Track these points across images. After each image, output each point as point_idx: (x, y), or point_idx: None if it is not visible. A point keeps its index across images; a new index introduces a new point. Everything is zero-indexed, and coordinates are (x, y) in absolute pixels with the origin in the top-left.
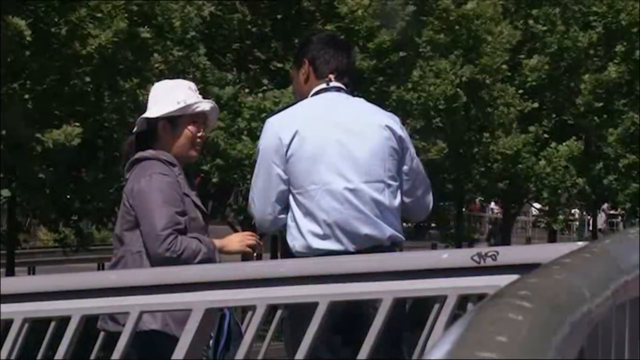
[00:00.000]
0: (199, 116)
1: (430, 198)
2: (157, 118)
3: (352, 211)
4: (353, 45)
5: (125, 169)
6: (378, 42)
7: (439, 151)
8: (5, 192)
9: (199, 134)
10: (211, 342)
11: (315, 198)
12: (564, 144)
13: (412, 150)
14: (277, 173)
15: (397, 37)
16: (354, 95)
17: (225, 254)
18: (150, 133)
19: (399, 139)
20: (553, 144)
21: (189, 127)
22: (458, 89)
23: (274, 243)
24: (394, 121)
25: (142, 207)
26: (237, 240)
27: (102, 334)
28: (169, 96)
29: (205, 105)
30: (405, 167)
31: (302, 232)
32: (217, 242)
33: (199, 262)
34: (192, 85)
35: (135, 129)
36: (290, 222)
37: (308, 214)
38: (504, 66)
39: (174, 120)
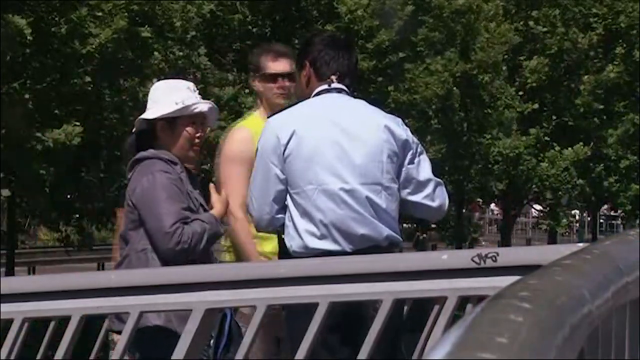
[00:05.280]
0: (197, 117)
1: (443, 194)
2: (155, 119)
3: (348, 211)
4: (355, 45)
5: (127, 169)
6: (377, 43)
7: (436, 151)
8: (6, 192)
9: (197, 135)
10: (212, 342)
11: (311, 198)
12: (569, 148)
13: (417, 150)
14: (275, 173)
15: (395, 37)
16: (355, 97)
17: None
18: (149, 133)
19: (400, 141)
20: (557, 147)
21: (187, 129)
22: (454, 87)
23: None
24: (395, 123)
25: (147, 206)
26: None
27: (101, 333)
28: (167, 97)
29: (204, 106)
30: (409, 166)
31: (299, 231)
32: (218, 208)
33: (208, 241)
34: (191, 85)
35: (134, 129)
36: (287, 222)
37: (305, 213)
38: (501, 62)
39: (172, 121)
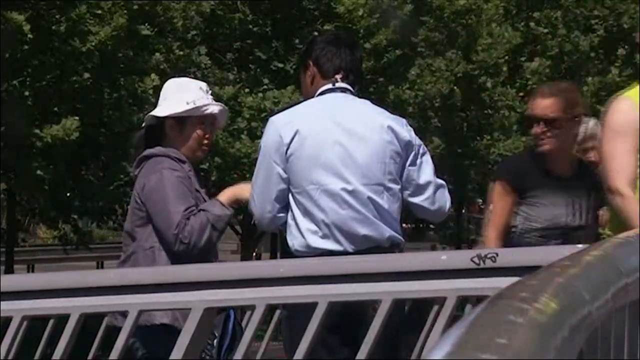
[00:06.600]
0: (207, 118)
1: (444, 197)
2: (165, 117)
3: (350, 212)
4: (357, 42)
5: (134, 166)
6: (374, 43)
7: (435, 148)
8: (3, 186)
9: (207, 136)
10: (215, 342)
11: (314, 198)
12: None
13: (420, 152)
14: (277, 172)
15: (394, 35)
16: (359, 96)
17: (240, 203)
18: (158, 130)
19: (403, 142)
20: None
21: (197, 130)
22: (455, 87)
23: (274, 242)
24: (398, 124)
25: (155, 205)
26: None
27: (100, 332)
28: (178, 95)
29: (215, 107)
30: (410, 168)
31: (301, 231)
32: (227, 193)
33: (213, 228)
34: (204, 85)
35: (144, 124)
36: (289, 221)
37: (307, 213)
38: (503, 64)
39: (182, 121)
